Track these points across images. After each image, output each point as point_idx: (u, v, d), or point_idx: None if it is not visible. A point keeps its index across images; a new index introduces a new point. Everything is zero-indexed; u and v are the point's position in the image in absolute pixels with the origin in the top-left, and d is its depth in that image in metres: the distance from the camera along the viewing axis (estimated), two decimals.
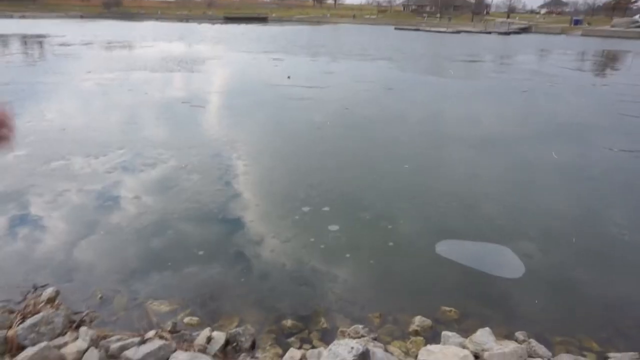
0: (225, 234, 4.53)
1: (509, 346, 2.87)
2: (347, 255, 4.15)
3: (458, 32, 49.39)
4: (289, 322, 3.26)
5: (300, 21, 72.11)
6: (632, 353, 2.96)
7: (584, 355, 2.98)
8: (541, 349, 2.92)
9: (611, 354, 3.01)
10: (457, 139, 8.14)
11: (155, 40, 30.23)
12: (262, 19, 72.62)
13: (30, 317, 2.88)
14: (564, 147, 7.86)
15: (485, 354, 2.81)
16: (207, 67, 16.96)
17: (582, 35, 47.83)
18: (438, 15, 74.81)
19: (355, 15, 78.28)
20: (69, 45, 24.69)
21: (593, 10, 76.19)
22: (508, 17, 69.75)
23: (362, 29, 53.64)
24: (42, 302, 3.17)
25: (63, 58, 18.76)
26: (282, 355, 2.91)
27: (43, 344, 2.63)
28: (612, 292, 3.74)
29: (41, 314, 2.90)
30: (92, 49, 23.27)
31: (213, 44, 28.14)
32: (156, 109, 10.05)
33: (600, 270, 4.08)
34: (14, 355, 2.60)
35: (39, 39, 28.26)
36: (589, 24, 56.10)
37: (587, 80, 16.48)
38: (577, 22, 56.93)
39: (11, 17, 59.01)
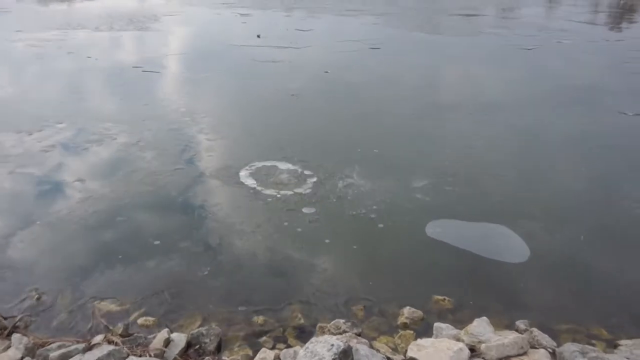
0: (186, 221, 4.48)
1: (509, 337, 2.93)
2: (327, 241, 4.15)
3: None
4: (260, 319, 3.26)
5: None
6: None
7: (592, 344, 3.06)
8: (545, 338, 2.98)
9: (622, 341, 3.10)
10: (452, 106, 8.16)
11: None
12: None
13: None
14: (573, 112, 7.95)
15: (482, 346, 2.86)
16: (162, 25, 16.52)
17: None
18: None
19: None
20: None
21: None
22: None
23: None
24: None
25: None
26: (252, 357, 2.92)
27: None
28: (624, 275, 3.83)
29: None
30: (22, 2, 22.39)
31: None
32: (102, 76, 9.77)
33: (612, 251, 4.17)
34: None
35: None
36: None
37: (600, 36, 16.63)
38: None
39: None
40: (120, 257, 3.89)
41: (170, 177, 5.29)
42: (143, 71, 10.11)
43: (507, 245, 4.18)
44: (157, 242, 4.10)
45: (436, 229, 4.36)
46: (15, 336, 2.81)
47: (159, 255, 3.93)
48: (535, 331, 3.04)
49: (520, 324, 3.20)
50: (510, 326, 3.21)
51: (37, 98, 8.11)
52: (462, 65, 11.49)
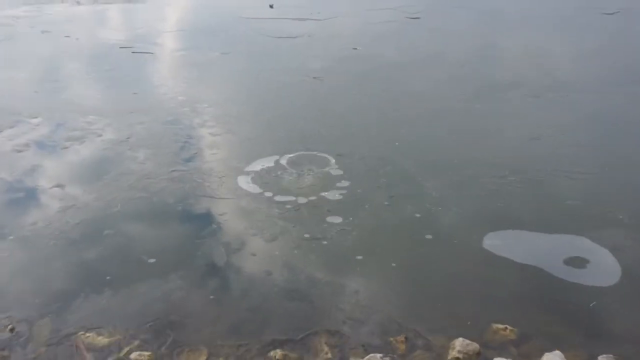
0: (187, 234, 4.53)
1: None
2: (359, 257, 4.14)
3: None
4: (278, 354, 3.26)
5: None
6: None
7: None
8: None
9: None
10: (513, 86, 8.06)
11: None
12: None
13: None
14: None
15: None
16: None
17: None
18: None
19: None
20: None
21: None
22: None
23: None
24: None
25: None
26: None
27: None
28: None
29: None
30: None
31: None
32: (83, 59, 9.97)
33: None
34: None
35: None
36: None
37: None
38: None
39: None
40: (108, 278, 3.95)
41: (167, 181, 5.36)
42: (133, 52, 10.27)
43: (587, 261, 4.10)
44: (152, 261, 4.15)
45: (497, 242, 4.31)
46: None
47: (155, 277, 3.97)
48: None
49: (603, 359, 3.15)
50: None
51: (6, 88, 8.31)
52: (525, 35, 11.34)
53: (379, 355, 3.19)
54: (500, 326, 3.46)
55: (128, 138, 6.37)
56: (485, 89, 7.98)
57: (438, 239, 4.38)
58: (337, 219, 4.64)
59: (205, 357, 3.26)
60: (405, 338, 3.39)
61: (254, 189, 5.19)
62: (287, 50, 10.39)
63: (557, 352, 3.06)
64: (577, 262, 4.10)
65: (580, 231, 4.45)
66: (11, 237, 4.50)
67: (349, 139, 6.21)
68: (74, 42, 11.10)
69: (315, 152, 5.71)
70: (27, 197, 5.16)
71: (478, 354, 3.27)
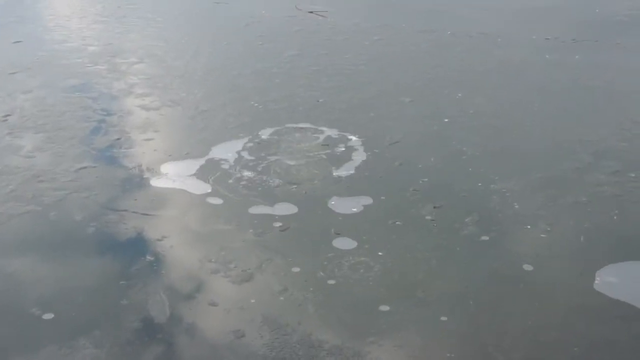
0: (104, 272, 4.47)
1: None
2: (384, 308, 4.08)
3: None
4: None
5: None
6: None
7: None
8: None
9: None
10: (634, 23, 8.06)
11: None
12: None
13: None
14: None
15: None
16: None
17: None
18: None
19: None
20: None
21: None
22: None
23: None
24: None
25: None
26: None
27: None
28: None
29: None
30: None
31: None
32: None
33: None
34: None
35: None
36: None
37: None
38: None
39: None
40: None
41: (71, 185, 5.33)
42: None
43: None
44: (48, 316, 4.07)
45: (612, 279, 4.27)
46: None
47: (54, 343, 3.87)
48: None
49: None
50: None
51: None
52: None
53: None
54: None
55: (6, 116, 6.35)
56: (588, 29, 7.97)
57: (517, 277, 4.30)
58: (350, 244, 4.57)
59: None
60: None
61: (213, 194, 5.16)
62: None
63: None
64: None
65: None
66: None
67: (368, 110, 6.17)
68: None
69: (311, 131, 5.67)
70: None
71: None
